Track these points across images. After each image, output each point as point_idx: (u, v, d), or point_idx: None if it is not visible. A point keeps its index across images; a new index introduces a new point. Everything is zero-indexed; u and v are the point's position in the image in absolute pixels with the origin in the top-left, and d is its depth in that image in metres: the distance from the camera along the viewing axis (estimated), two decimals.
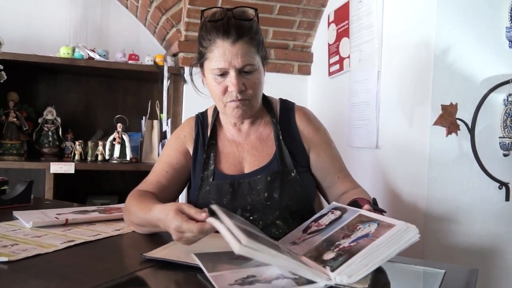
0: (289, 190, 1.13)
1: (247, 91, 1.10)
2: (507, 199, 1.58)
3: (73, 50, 2.40)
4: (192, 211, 0.85)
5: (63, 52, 2.37)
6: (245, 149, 1.21)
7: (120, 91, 2.82)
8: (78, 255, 0.88)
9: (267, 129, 1.22)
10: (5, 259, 0.79)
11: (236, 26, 1.06)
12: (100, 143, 2.44)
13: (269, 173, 1.14)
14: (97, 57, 2.43)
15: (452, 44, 1.53)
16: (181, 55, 2.53)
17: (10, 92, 2.33)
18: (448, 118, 1.50)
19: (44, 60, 2.29)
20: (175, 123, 2.51)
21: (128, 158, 2.42)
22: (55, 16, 2.69)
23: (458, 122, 1.52)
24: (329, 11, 2.40)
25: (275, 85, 2.66)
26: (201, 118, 1.28)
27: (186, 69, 2.53)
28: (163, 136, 2.58)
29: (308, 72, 2.70)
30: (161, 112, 2.61)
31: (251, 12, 1.11)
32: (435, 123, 1.51)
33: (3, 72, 1.41)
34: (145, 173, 2.77)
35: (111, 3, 2.81)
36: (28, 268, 0.78)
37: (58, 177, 2.26)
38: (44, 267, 0.79)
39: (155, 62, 2.52)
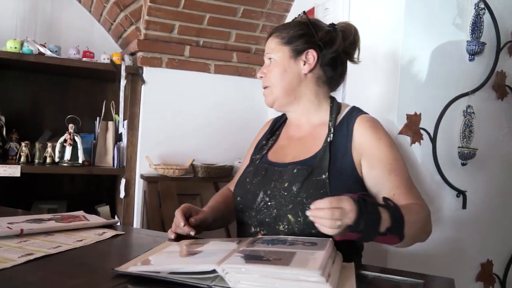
0: (310, 189, 1.08)
1: (265, 78, 1.23)
2: (464, 207, 1.65)
3: (21, 44, 2.23)
4: (193, 211, 1.13)
5: (10, 46, 2.20)
6: (295, 143, 1.23)
7: (71, 90, 2.67)
8: (40, 271, 0.79)
9: (322, 130, 1.19)
10: None
11: (276, 27, 1.26)
12: (49, 144, 2.29)
13: (298, 166, 1.12)
14: (48, 52, 2.28)
15: (418, 56, 1.58)
16: (139, 54, 2.43)
17: None
18: (412, 128, 1.54)
19: None
20: (132, 124, 2.41)
21: (80, 161, 2.28)
22: (2, 7, 2.50)
23: (421, 131, 1.57)
24: (292, 16, 2.40)
25: (237, 89, 2.65)
26: (279, 117, 1.38)
27: (145, 69, 2.44)
28: (118, 138, 2.46)
29: None
30: (116, 113, 2.49)
31: (300, 18, 1.26)
32: (400, 132, 1.54)
33: None
34: (98, 177, 2.65)
35: None
36: None
37: (1, 180, 2.09)
38: (5, 285, 0.70)
39: (112, 60, 2.40)
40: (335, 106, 1.22)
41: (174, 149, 2.44)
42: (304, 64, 1.18)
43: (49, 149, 2.27)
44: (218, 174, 2.33)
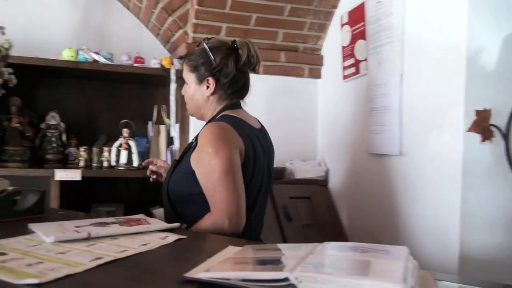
0: (166, 180, 1.45)
1: (184, 96, 1.53)
2: None
3: (77, 53, 2.31)
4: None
5: (67, 55, 2.28)
6: None
7: (124, 95, 2.73)
8: (110, 275, 0.79)
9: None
10: (35, 281, 0.70)
11: (186, 54, 1.55)
12: (106, 149, 2.35)
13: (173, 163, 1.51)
14: (102, 59, 2.35)
15: (485, 47, 1.48)
16: None
17: (13, 97, 2.23)
18: (482, 124, 1.44)
19: (49, 63, 2.20)
20: (184, 128, 2.43)
21: (135, 164, 2.33)
22: (57, 18, 2.60)
23: (492, 128, 1.46)
24: (341, 12, 2.35)
25: (284, 89, 2.61)
26: None
27: None
28: (170, 141, 2.49)
29: (318, 76, 2.63)
30: (168, 116, 2.52)
31: (201, 45, 1.46)
32: (469, 130, 1.45)
33: (12, 76, 1.32)
34: None
35: (112, 4, 2.73)
36: None
37: (62, 184, 2.17)
38: None
39: (161, 65, 2.44)
40: (214, 115, 1.44)
41: None
42: (207, 89, 1.42)
43: (105, 154, 2.33)
44: None
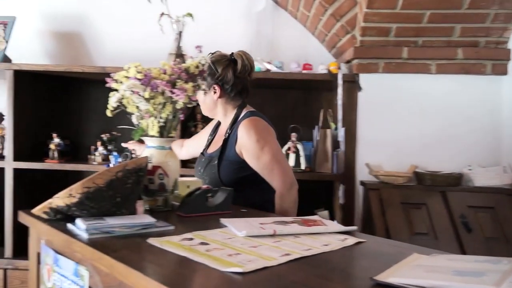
0: (208, 170, 1.73)
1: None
2: None
3: None
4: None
5: None
6: (216, 140, 1.82)
7: (291, 101, 2.85)
8: (301, 271, 0.84)
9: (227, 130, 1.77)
10: (239, 269, 0.79)
11: None
12: None
13: (207, 156, 1.79)
14: (274, 68, 2.50)
15: None
16: (355, 61, 2.44)
17: (198, 106, 2.53)
18: None
19: None
20: (350, 131, 2.43)
21: (302, 167, 2.41)
22: (234, 33, 2.85)
23: None
24: None
25: (463, 88, 2.39)
26: None
27: (361, 75, 2.43)
28: (336, 145, 2.51)
29: (504, 72, 2.34)
30: (333, 121, 2.55)
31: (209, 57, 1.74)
32: None
33: (206, 88, 1.65)
34: (317, 182, 2.75)
35: (281, 16, 2.87)
36: (262, 281, 0.76)
37: None
38: (277, 282, 0.77)
39: (328, 70, 2.48)
40: (236, 113, 1.75)
41: (394, 156, 2.36)
42: (214, 94, 1.74)
43: None
44: (445, 183, 2.14)
